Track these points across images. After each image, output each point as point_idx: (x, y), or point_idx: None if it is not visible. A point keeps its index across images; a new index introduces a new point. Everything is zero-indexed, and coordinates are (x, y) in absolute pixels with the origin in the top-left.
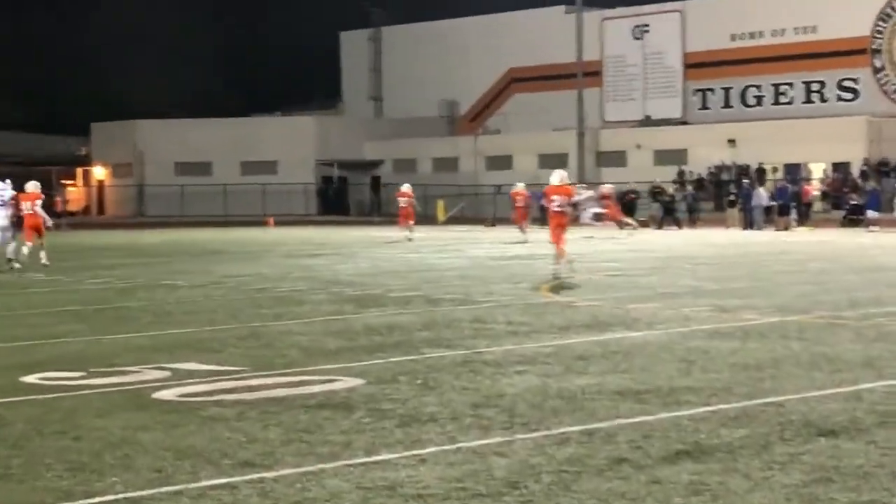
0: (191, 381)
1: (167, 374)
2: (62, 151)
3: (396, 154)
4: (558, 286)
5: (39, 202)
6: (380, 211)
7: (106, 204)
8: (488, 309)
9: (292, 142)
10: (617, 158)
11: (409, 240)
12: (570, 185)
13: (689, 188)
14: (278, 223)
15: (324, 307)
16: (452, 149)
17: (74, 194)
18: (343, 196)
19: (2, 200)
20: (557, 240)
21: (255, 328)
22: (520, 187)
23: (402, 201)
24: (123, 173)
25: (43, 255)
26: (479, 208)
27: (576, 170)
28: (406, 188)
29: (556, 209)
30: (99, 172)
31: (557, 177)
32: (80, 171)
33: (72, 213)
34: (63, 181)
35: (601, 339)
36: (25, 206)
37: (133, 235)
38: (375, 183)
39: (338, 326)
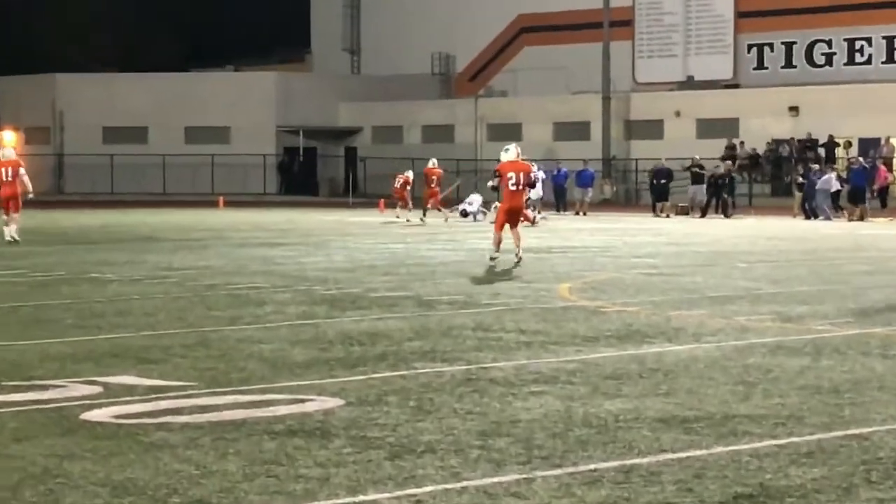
0: (128, 398)
1: (98, 389)
2: None
3: (378, 120)
4: (582, 287)
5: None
6: (356, 190)
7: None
8: (495, 313)
9: (248, 103)
10: (651, 129)
11: (411, 222)
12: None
13: (725, 167)
14: (230, 204)
15: (290, 309)
16: (448, 114)
17: None
18: (311, 172)
19: None
20: (502, 226)
21: (205, 334)
22: (433, 164)
23: (433, 179)
24: (38, 139)
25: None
26: (481, 189)
27: (600, 143)
28: (434, 164)
29: (513, 188)
30: (8, 139)
31: (514, 151)
32: None
33: None
34: None
35: (637, 354)
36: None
37: (51, 216)
38: (351, 156)
39: (308, 333)
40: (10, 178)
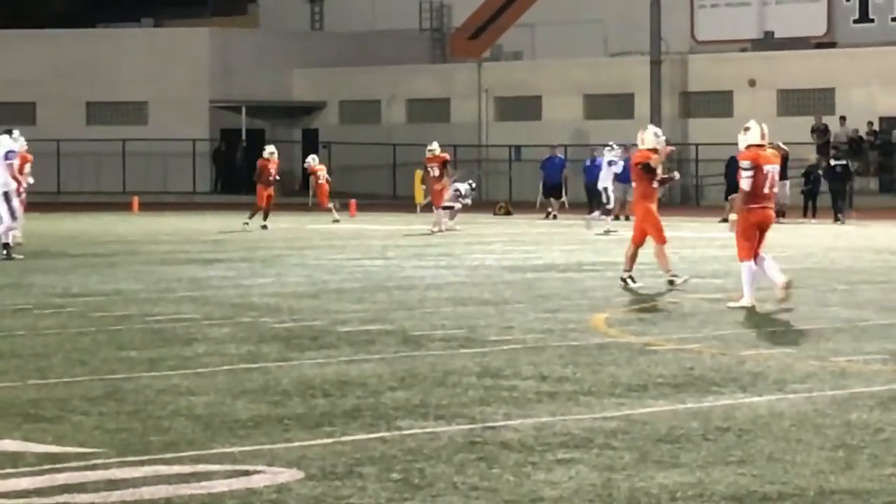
0: (11, 470)
1: None
2: None
3: (347, 92)
4: (625, 317)
5: None
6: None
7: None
8: (507, 354)
9: (172, 71)
10: (716, 103)
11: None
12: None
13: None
14: (147, 206)
15: (230, 349)
16: (441, 84)
17: None
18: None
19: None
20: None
21: (115, 383)
22: (314, 162)
23: (434, 168)
24: None
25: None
26: (487, 184)
27: (647, 121)
28: (435, 146)
29: None
30: None
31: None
32: None
33: None
34: None
35: (699, 408)
36: None
37: None
38: (311, 140)
39: (255, 381)
40: None
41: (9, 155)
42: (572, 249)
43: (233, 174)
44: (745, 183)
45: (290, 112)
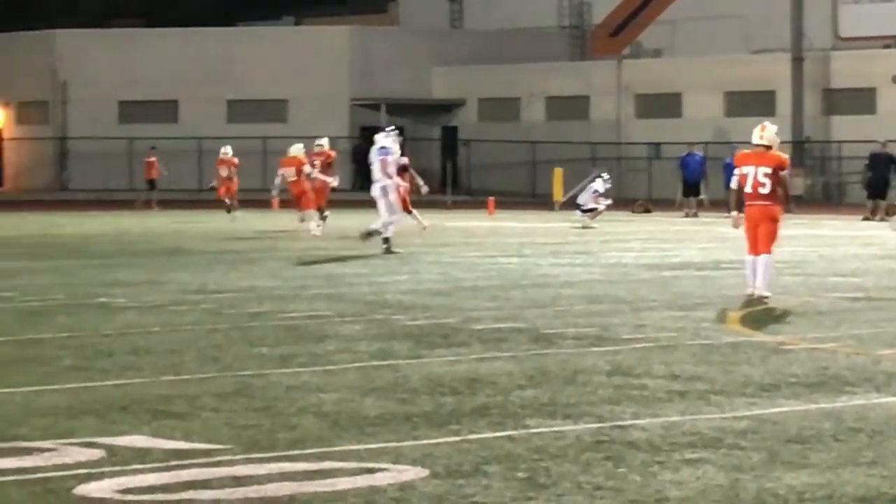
0: (139, 466)
1: (99, 454)
2: None
3: (486, 90)
4: (760, 316)
5: None
6: (456, 185)
7: (5, 168)
8: (639, 352)
9: (312, 69)
10: (860, 101)
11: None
12: None
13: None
14: (287, 203)
15: (361, 346)
16: (581, 81)
17: None
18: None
19: None
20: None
21: (245, 379)
22: (227, 153)
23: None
24: (34, 118)
25: None
26: (625, 182)
27: (789, 119)
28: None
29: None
30: None
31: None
32: None
33: None
34: None
35: (832, 408)
36: None
37: (51, 220)
38: (450, 138)
39: (384, 379)
40: None
41: (382, 151)
42: (710, 247)
43: (371, 172)
44: None
45: (429, 110)
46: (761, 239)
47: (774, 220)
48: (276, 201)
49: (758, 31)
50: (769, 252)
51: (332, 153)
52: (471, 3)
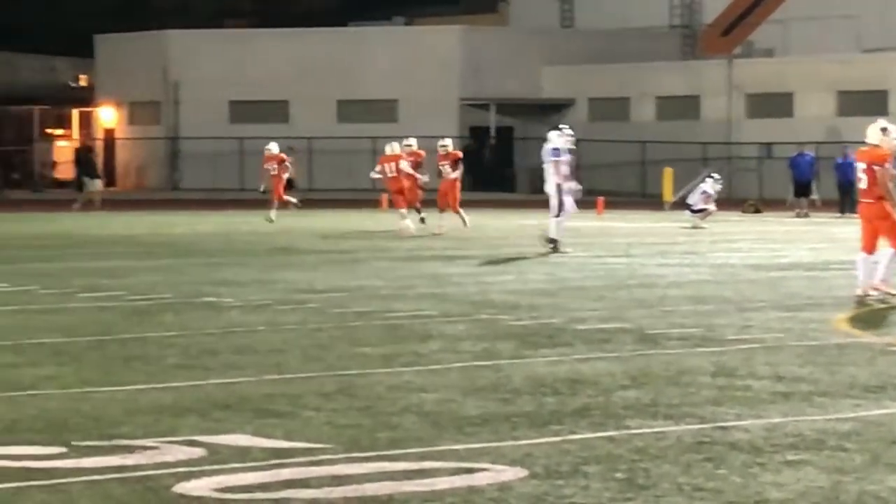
0: (239, 465)
1: (200, 452)
2: (45, 81)
3: (596, 90)
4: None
5: None
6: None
7: (117, 167)
8: (744, 353)
9: (422, 69)
10: None
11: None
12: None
13: None
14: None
15: (464, 345)
16: (691, 81)
17: (65, 151)
18: (506, 160)
19: None
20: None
21: (348, 379)
22: (271, 150)
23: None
24: (146, 118)
25: None
26: (736, 182)
27: None
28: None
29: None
30: (107, 116)
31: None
32: (75, 113)
33: (60, 183)
34: (48, 130)
35: None
36: None
37: (161, 220)
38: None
39: (486, 379)
40: None
41: (554, 152)
42: (820, 248)
43: (482, 172)
44: None
45: (539, 109)
46: (884, 235)
47: (885, 217)
48: (384, 200)
49: (870, 30)
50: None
51: (422, 153)
52: (582, 2)
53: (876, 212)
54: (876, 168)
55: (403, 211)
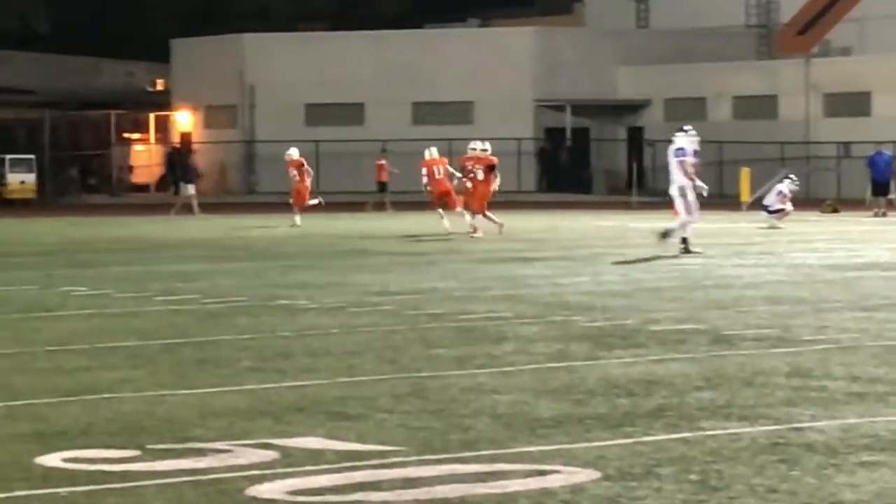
0: (311, 468)
1: (273, 455)
2: (121, 86)
3: (672, 90)
4: None
5: None
6: (642, 186)
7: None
8: (820, 354)
9: (498, 70)
10: None
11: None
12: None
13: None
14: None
15: (538, 347)
16: (768, 81)
17: (142, 155)
18: (581, 161)
19: None
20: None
21: (422, 381)
22: (292, 155)
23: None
24: (222, 122)
25: None
26: (814, 182)
27: None
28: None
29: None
30: (183, 120)
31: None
32: (151, 117)
33: (137, 187)
34: (125, 134)
35: None
36: None
37: (238, 223)
38: (636, 139)
39: (560, 380)
40: None
41: (679, 152)
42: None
43: (557, 172)
44: None
45: (614, 110)
46: None
47: None
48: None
49: None
50: None
51: (494, 158)
52: (657, 2)
53: None
54: None
55: (462, 210)
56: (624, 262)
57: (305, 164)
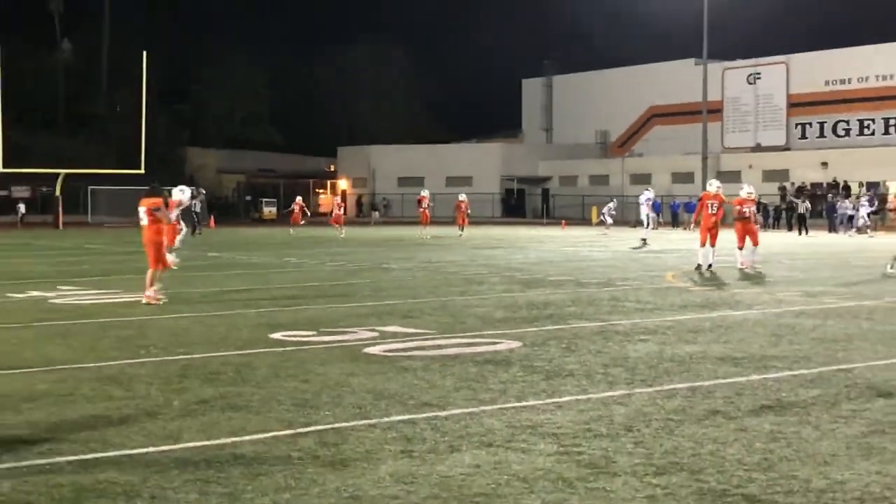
0: (393, 340)
1: (376, 334)
2: (315, 168)
3: (562, 171)
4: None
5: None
6: (547, 215)
7: (347, 208)
8: (623, 291)
9: (483, 162)
10: (733, 176)
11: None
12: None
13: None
14: (472, 223)
15: (498, 287)
16: (605, 168)
17: (324, 200)
18: (521, 203)
19: None
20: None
21: (445, 301)
22: (425, 193)
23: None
24: (360, 185)
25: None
26: (624, 213)
27: (700, 185)
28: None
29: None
30: (343, 184)
31: (714, 185)
32: (328, 182)
33: (322, 214)
34: (317, 190)
35: (710, 317)
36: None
37: (366, 232)
38: (545, 194)
39: (507, 302)
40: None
41: (647, 200)
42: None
43: (510, 209)
44: None
45: (536, 181)
46: None
47: None
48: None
49: (686, 144)
50: None
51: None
52: (556, 131)
53: None
54: None
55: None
56: (538, 250)
57: (428, 199)
